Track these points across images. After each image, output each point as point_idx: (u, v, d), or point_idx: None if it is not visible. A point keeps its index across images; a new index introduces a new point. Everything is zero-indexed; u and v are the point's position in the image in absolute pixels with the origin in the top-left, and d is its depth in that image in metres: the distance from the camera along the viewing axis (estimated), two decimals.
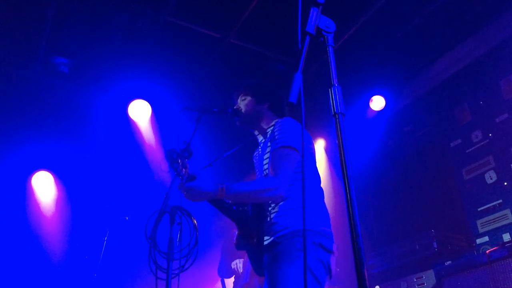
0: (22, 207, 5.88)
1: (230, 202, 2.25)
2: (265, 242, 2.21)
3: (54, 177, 6.00)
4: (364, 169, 5.54)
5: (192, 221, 2.24)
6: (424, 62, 5.17)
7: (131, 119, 5.37)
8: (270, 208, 2.24)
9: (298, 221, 2.12)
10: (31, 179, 5.90)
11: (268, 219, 2.22)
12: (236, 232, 2.34)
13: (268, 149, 2.31)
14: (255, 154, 2.54)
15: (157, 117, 5.49)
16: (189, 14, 4.35)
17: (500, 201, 4.02)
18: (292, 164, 2.14)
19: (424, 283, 4.11)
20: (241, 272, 4.71)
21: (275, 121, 2.44)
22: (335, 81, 1.39)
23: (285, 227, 2.13)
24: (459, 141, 4.56)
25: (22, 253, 5.66)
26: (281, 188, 2.09)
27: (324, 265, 2.06)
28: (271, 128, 2.38)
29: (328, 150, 6.01)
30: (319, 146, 5.91)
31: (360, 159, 5.52)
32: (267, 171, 2.28)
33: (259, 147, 2.52)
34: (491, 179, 4.15)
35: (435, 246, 4.16)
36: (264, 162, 2.32)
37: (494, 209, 4.04)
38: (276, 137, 2.21)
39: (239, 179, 5.46)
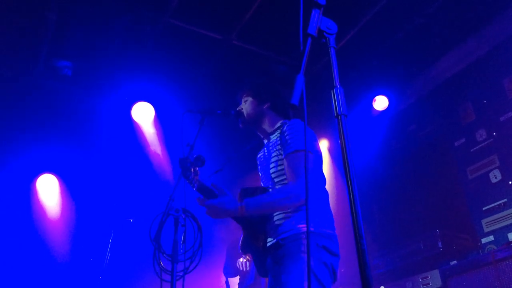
0: (27, 210, 5.91)
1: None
2: (269, 244, 2.21)
3: (59, 180, 6.03)
4: (367, 169, 5.53)
5: (196, 223, 2.24)
6: (426, 62, 5.16)
7: (135, 121, 5.39)
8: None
9: (302, 223, 2.11)
10: (35, 182, 5.93)
11: (273, 221, 2.21)
12: (242, 235, 2.34)
13: (275, 152, 2.29)
14: (259, 156, 2.51)
15: (161, 119, 5.51)
16: (191, 16, 4.36)
17: (505, 200, 4.00)
18: (309, 167, 2.14)
19: (429, 283, 4.09)
20: (246, 272, 4.71)
21: (280, 122, 2.43)
22: (337, 83, 1.39)
23: (289, 229, 2.12)
24: (463, 140, 4.54)
25: (27, 256, 5.68)
26: (302, 194, 2.07)
27: (328, 268, 2.05)
28: (279, 130, 2.36)
29: (331, 151, 6.01)
30: (323, 146, 5.91)
31: (364, 159, 5.51)
32: (274, 174, 2.27)
33: (264, 148, 2.50)
34: (495, 178, 4.13)
35: (440, 246, 4.14)
36: (271, 165, 2.30)
37: (499, 208, 4.03)
38: (288, 140, 2.19)
39: (241, 179, 5.48)
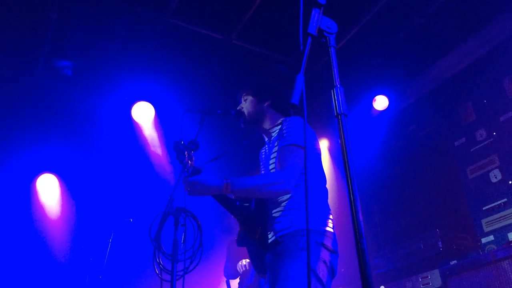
0: (27, 210, 5.91)
1: (233, 197, 2.24)
2: (268, 241, 2.21)
3: (59, 180, 6.03)
4: (367, 169, 5.53)
5: (196, 223, 2.24)
6: (427, 62, 5.16)
7: (135, 121, 5.39)
8: (273, 207, 2.24)
9: (301, 221, 2.12)
10: (35, 182, 5.93)
11: (271, 218, 2.22)
12: (238, 229, 2.35)
13: (275, 148, 2.30)
14: (261, 152, 2.55)
15: (161, 119, 5.51)
16: (191, 16, 4.36)
17: (505, 200, 4.00)
18: (299, 161, 2.13)
19: (429, 283, 4.09)
20: (246, 272, 4.71)
21: (281, 119, 2.44)
22: (337, 82, 1.39)
23: (288, 226, 2.13)
24: (463, 140, 4.54)
25: (27, 255, 5.69)
26: (287, 182, 2.07)
27: (326, 265, 2.06)
28: (278, 127, 2.38)
29: (331, 150, 6.01)
30: (323, 146, 5.91)
31: (364, 159, 5.51)
32: (273, 170, 2.28)
33: (266, 145, 2.52)
34: (495, 177, 4.13)
35: (440, 245, 4.14)
36: (271, 161, 2.32)
37: (499, 208, 4.03)
38: (285, 135, 2.21)
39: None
